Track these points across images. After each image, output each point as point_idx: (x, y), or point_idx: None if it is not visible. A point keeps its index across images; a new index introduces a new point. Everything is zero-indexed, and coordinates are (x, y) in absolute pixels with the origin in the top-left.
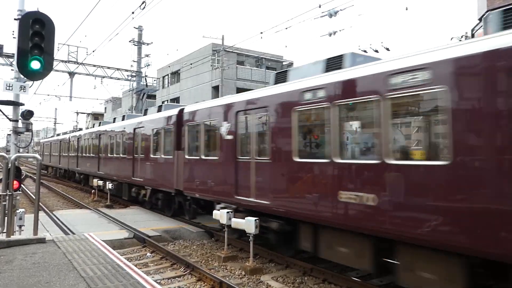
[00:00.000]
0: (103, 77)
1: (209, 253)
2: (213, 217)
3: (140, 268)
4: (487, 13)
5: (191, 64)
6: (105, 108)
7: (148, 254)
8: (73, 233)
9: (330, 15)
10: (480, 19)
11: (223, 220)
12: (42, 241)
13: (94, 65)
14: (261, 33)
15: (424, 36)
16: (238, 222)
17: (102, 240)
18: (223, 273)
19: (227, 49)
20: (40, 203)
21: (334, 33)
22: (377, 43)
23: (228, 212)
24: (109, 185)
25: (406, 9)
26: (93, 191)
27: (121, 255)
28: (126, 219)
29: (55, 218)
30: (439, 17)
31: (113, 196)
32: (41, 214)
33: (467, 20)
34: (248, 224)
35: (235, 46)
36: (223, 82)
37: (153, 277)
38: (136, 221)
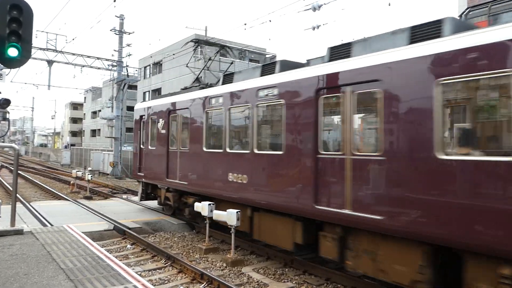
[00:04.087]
0: (83, 66)
1: (190, 245)
2: (195, 209)
3: (121, 260)
4: (467, 9)
5: (173, 54)
6: (85, 98)
7: (129, 246)
8: (52, 225)
9: (314, 9)
10: (460, 16)
11: (205, 212)
12: (19, 232)
13: (74, 54)
14: (245, 24)
15: None
16: (219, 214)
17: (82, 232)
18: (204, 265)
19: (210, 41)
20: (17, 194)
21: (318, 27)
22: (360, 38)
23: (209, 204)
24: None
25: (389, 4)
26: (72, 182)
27: (101, 247)
28: (106, 211)
29: (33, 210)
30: (421, 13)
31: None
32: (18, 205)
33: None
34: (230, 216)
35: (218, 37)
36: (205, 74)
37: (133, 268)
38: (116, 212)
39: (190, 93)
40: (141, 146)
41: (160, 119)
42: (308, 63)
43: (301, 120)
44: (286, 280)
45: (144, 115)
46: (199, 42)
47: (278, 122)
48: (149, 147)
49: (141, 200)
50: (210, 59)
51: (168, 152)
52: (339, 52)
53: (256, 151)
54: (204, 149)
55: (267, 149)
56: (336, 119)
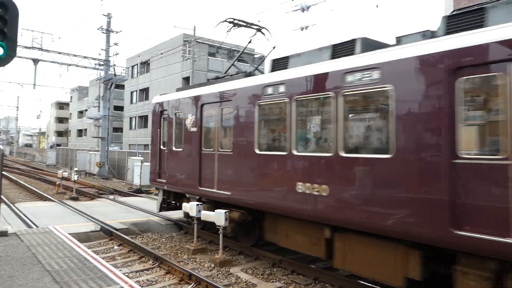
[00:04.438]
0: (69, 65)
1: (178, 245)
2: (183, 209)
3: (108, 261)
4: (453, 12)
5: (161, 54)
6: (71, 97)
7: (116, 247)
8: (37, 226)
9: (303, 10)
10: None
11: (193, 213)
12: (4, 234)
13: (60, 52)
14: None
15: (394, 34)
16: (207, 215)
17: (68, 233)
18: (192, 266)
19: (198, 40)
20: (1, 195)
21: (306, 27)
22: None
23: (197, 205)
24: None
25: (377, 6)
26: (57, 182)
27: (87, 248)
28: (92, 212)
29: (17, 211)
30: (407, 16)
31: None
32: (2, 206)
33: (434, 19)
34: (218, 216)
35: (206, 37)
36: (194, 74)
37: (120, 270)
38: (103, 213)
39: (233, 82)
40: (162, 147)
41: (189, 115)
42: (399, 41)
43: (424, 111)
44: (274, 280)
45: (165, 110)
46: (233, 23)
47: (381, 115)
48: (174, 148)
49: (160, 211)
50: (250, 41)
51: (201, 155)
52: (464, 21)
53: (343, 154)
54: (257, 151)
55: (363, 152)
56: (491, 108)
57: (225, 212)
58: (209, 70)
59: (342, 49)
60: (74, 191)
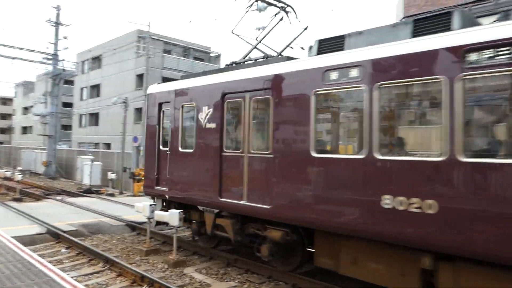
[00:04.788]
0: (14, 58)
1: (130, 247)
2: (135, 210)
3: (55, 265)
4: (403, 19)
5: (114, 49)
6: (16, 92)
7: (63, 250)
8: None
9: (259, 10)
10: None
11: (146, 213)
12: None
13: (4, 45)
14: (190, 22)
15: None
16: (161, 215)
17: (11, 237)
18: (145, 267)
19: (153, 37)
20: None
21: (263, 28)
22: (306, 41)
23: (150, 205)
24: None
25: (332, 10)
26: None
27: (32, 252)
28: (38, 213)
29: None
30: (361, 21)
31: None
32: None
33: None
34: (171, 217)
35: (162, 34)
36: (148, 71)
37: (68, 274)
38: (50, 215)
39: (272, 66)
40: (161, 147)
41: (204, 107)
42: (508, 15)
43: None
44: (228, 280)
45: (167, 101)
46: None
47: None
48: (180, 149)
49: (156, 225)
50: (281, 18)
51: (221, 157)
52: None
53: (463, 158)
54: (313, 153)
55: (497, 155)
56: None
57: (179, 212)
58: (164, 68)
59: (430, 24)
60: (17, 191)
